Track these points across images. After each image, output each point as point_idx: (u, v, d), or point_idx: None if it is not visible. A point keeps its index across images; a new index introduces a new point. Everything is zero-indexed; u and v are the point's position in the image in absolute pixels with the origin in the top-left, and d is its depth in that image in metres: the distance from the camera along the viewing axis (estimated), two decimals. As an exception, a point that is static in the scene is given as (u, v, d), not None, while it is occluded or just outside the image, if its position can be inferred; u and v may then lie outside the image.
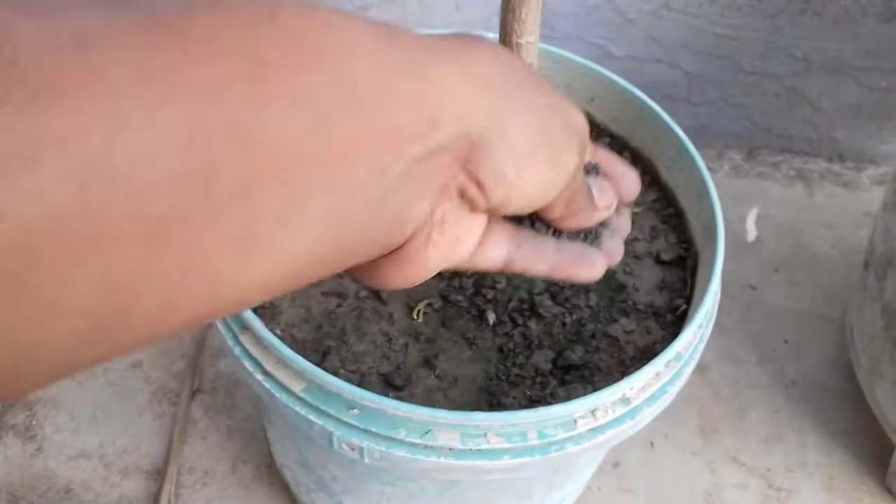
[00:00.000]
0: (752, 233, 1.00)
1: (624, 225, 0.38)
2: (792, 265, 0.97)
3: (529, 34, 0.44)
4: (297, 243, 0.20)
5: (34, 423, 0.78)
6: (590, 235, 0.34)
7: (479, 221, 0.28)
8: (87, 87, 0.15)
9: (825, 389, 0.87)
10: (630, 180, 0.36)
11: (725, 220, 1.02)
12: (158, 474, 0.75)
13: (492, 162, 0.24)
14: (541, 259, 0.33)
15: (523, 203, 0.27)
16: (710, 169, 1.06)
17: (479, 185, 0.25)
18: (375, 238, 0.23)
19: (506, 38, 0.44)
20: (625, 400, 0.47)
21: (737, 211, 1.02)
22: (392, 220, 0.23)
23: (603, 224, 0.35)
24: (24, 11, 0.16)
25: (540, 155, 0.26)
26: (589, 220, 0.33)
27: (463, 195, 0.25)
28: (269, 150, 0.18)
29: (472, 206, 0.26)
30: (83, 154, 0.15)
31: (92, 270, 0.16)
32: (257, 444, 0.77)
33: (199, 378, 0.82)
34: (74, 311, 0.16)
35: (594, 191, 0.33)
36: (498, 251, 0.31)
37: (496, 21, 0.94)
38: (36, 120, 0.15)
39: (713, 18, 0.91)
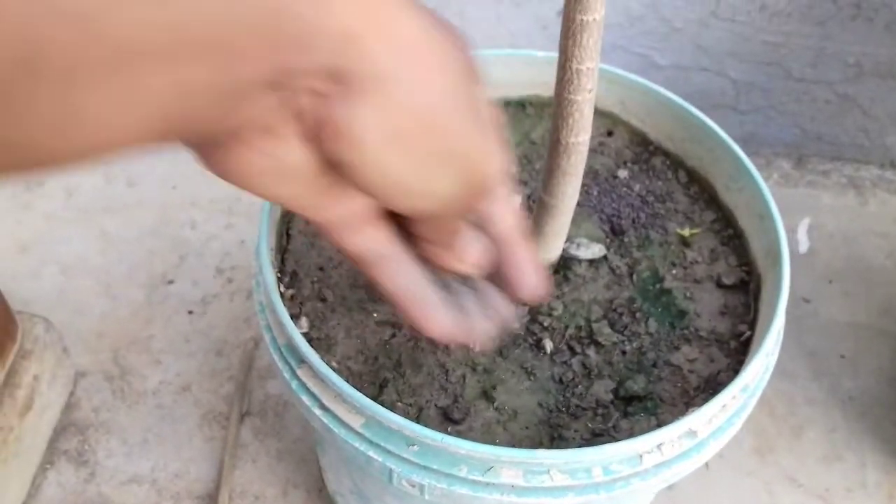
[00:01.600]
0: (803, 244, 0.98)
1: (501, 312, 0.35)
2: (846, 276, 0.95)
3: (590, 60, 0.43)
4: (122, 120, 0.20)
5: (87, 448, 0.78)
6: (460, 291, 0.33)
7: (315, 171, 0.25)
8: None
9: (884, 405, 0.85)
10: (527, 277, 0.34)
11: (776, 231, 0.99)
12: (210, 499, 0.75)
13: (349, 117, 0.23)
14: (394, 282, 0.31)
15: (370, 188, 0.25)
16: (758, 178, 1.03)
17: (319, 123, 0.23)
18: (202, 121, 0.22)
19: (565, 63, 0.43)
20: (691, 433, 0.46)
21: (787, 221, 0.99)
22: (220, 115, 0.22)
23: (478, 291, 0.34)
24: None
25: (411, 149, 0.24)
26: (445, 261, 0.31)
27: (299, 119, 0.23)
28: (114, 37, 0.18)
29: (312, 145, 0.24)
30: None
31: None
32: (308, 467, 0.77)
33: (247, 400, 0.82)
34: None
35: (467, 239, 0.32)
36: (363, 240, 0.29)
37: (537, 34, 0.93)
38: None
39: (761, 25, 0.89)
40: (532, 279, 0.34)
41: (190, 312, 0.88)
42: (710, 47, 0.91)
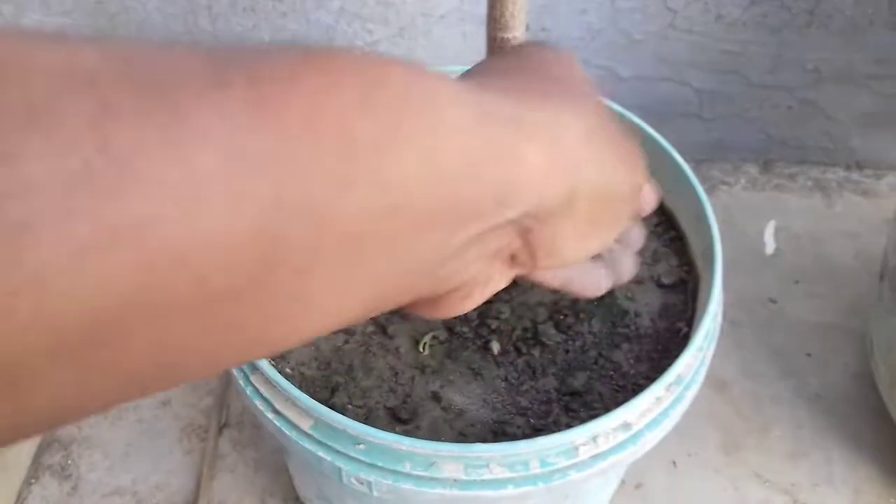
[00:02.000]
0: (770, 246, 1.00)
1: (637, 238, 0.40)
2: (813, 277, 0.97)
3: (514, 29, 0.45)
4: (343, 306, 0.20)
5: (69, 462, 0.81)
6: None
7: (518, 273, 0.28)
8: (171, 170, 0.15)
9: (850, 402, 0.86)
10: (652, 195, 0.38)
11: (743, 234, 1.02)
12: (189, 509, 0.78)
13: (552, 237, 0.25)
14: (553, 275, 0.35)
15: (578, 260, 0.28)
16: (726, 183, 1.06)
17: (532, 254, 0.25)
18: (420, 292, 0.24)
19: (491, 32, 0.46)
20: (626, 426, 0.48)
21: (754, 224, 1.02)
22: (440, 280, 0.24)
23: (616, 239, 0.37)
24: (125, 89, 0.15)
25: (597, 232, 0.27)
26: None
27: (514, 259, 0.26)
28: (341, 230, 0.18)
29: (519, 266, 0.27)
30: (157, 241, 0.15)
31: (147, 337, 0.16)
32: (284, 476, 0.79)
33: (226, 413, 0.84)
34: (123, 373, 0.17)
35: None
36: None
37: (503, 50, 0.95)
38: (114, 205, 0.14)
39: (719, 35, 0.91)
40: (655, 195, 0.38)
41: (171, 329, 0.90)
42: (670, 58, 0.94)
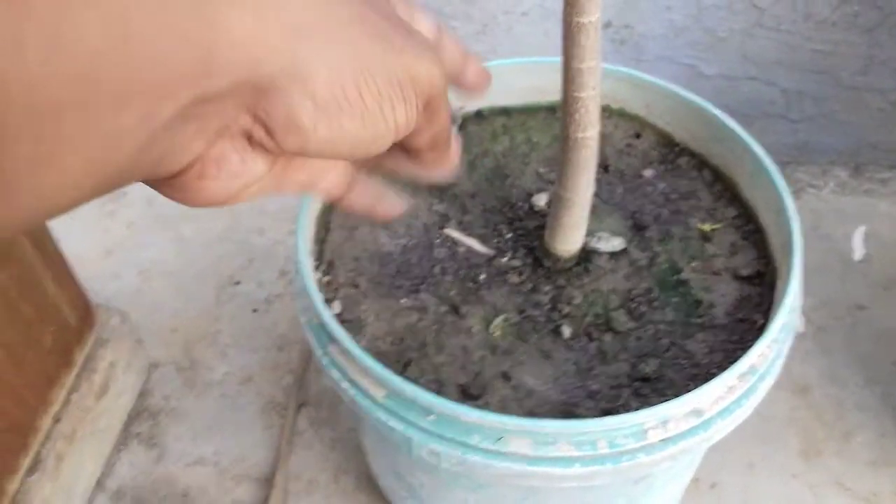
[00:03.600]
0: (859, 251, 0.97)
1: (439, 128, 0.34)
2: (902, 284, 0.94)
3: (590, 59, 0.46)
4: (56, 182, 0.20)
5: (157, 431, 0.85)
6: None
7: (270, 158, 0.27)
8: None
9: (938, 413, 0.83)
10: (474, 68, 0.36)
11: (830, 238, 1.00)
12: (267, 481, 0.81)
13: (286, 112, 0.24)
14: (360, 202, 0.36)
15: (334, 152, 0.27)
16: (813, 186, 1.04)
17: (268, 131, 0.24)
18: (142, 170, 0.23)
19: (567, 62, 0.47)
20: (697, 412, 0.48)
21: (843, 229, 0.99)
22: (160, 157, 0.23)
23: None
24: None
25: (350, 110, 0.25)
26: (443, 163, 0.34)
27: (249, 137, 0.25)
28: (26, 99, 0.18)
29: (263, 147, 0.26)
30: None
31: None
32: (357, 455, 0.81)
33: (305, 392, 0.87)
34: None
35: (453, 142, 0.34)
36: (328, 180, 0.33)
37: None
38: None
39: (808, 34, 0.90)
40: (478, 70, 0.37)
41: (254, 311, 0.94)
42: (756, 56, 0.92)
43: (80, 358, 0.76)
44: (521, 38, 0.94)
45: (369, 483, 0.80)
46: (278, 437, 0.84)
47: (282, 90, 0.23)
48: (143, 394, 0.87)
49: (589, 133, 0.49)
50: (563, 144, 0.51)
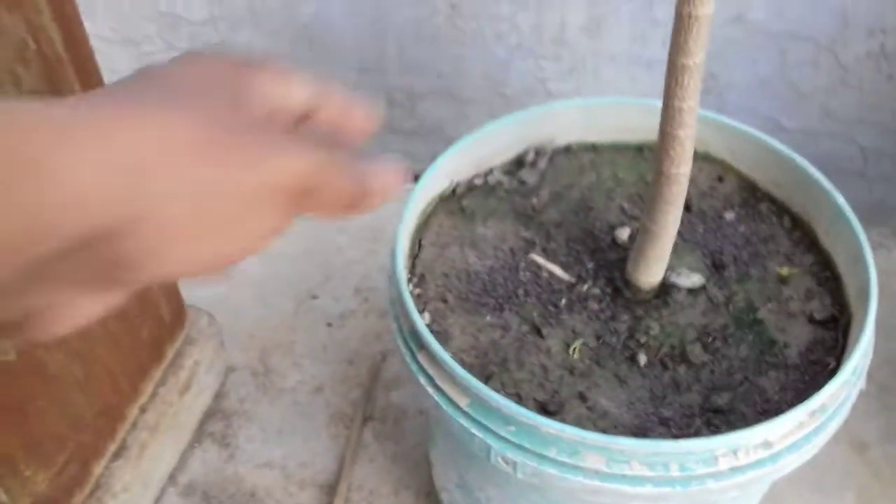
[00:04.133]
0: (929, 313, 0.97)
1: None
2: (973, 349, 0.93)
3: (690, 99, 0.49)
4: None
5: (230, 432, 0.89)
6: None
7: (128, 290, 0.26)
8: None
9: None
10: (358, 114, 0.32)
11: (898, 298, 0.99)
12: (330, 489, 0.83)
13: (135, 250, 0.23)
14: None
15: (205, 269, 0.26)
16: (883, 247, 1.04)
17: (125, 270, 0.24)
18: None
19: (669, 101, 0.50)
20: (767, 444, 0.49)
21: (914, 291, 0.99)
22: (10, 310, 0.23)
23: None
24: None
25: (208, 236, 0.25)
26: (360, 211, 0.30)
27: (105, 279, 0.24)
28: None
29: (122, 285, 0.25)
30: None
31: None
32: (419, 471, 0.84)
33: (371, 406, 0.90)
34: None
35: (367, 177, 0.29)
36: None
37: (668, 94, 0.99)
38: None
39: (890, 95, 0.91)
40: (361, 112, 0.33)
41: (329, 325, 0.98)
42: (837, 113, 0.94)
43: (170, 354, 0.80)
44: (608, 82, 0.97)
45: (429, 499, 0.82)
46: (343, 447, 0.87)
47: (126, 235, 0.23)
48: (219, 395, 0.92)
49: (682, 170, 0.52)
50: (655, 179, 0.53)
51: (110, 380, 0.71)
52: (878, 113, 0.93)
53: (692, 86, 0.49)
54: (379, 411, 0.90)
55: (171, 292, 0.80)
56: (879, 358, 0.90)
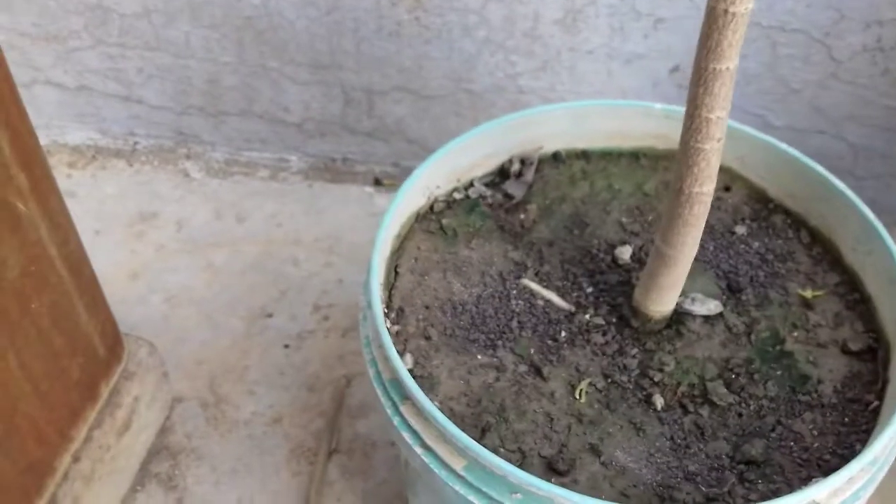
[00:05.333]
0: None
1: None
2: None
3: (720, 109, 0.42)
4: None
5: (177, 472, 0.79)
6: None
7: None
8: None
9: None
10: None
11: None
12: (293, 535, 0.75)
13: None
14: None
15: None
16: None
17: None
18: None
19: (694, 111, 0.42)
20: (814, 505, 0.43)
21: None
22: None
23: None
24: None
25: None
26: None
27: None
28: None
29: None
30: None
31: None
32: (392, 511, 0.76)
33: (336, 438, 0.81)
34: None
35: None
36: None
37: (648, 91, 0.92)
38: None
39: (884, 90, 0.86)
40: None
41: (286, 346, 0.89)
42: (828, 109, 0.88)
43: (105, 391, 0.71)
44: (583, 77, 0.90)
45: (405, 543, 0.74)
46: (307, 486, 0.78)
47: None
48: (163, 430, 0.82)
49: (706, 188, 0.45)
50: (674, 198, 0.46)
51: (34, 432, 0.61)
52: (870, 109, 0.88)
53: (723, 94, 0.41)
54: (345, 443, 0.81)
55: (106, 322, 0.70)
56: None
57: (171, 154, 1.08)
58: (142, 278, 0.95)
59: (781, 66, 0.86)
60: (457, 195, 0.60)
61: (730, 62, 0.40)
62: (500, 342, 0.52)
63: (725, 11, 0.39)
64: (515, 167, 0.62)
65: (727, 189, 0.62)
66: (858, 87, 0.86)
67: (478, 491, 0.44)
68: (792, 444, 0.47)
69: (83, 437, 0.69)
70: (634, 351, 0.52)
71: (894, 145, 0.91)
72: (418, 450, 0.46)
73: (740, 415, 0.49)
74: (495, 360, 0.51)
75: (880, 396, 0.49)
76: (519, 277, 0.56)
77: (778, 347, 0.52)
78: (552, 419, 0.49)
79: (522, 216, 0.60)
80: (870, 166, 0.93)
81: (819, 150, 0.92)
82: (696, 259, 0.57)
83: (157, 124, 1.06)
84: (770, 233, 0.59)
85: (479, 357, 0.51)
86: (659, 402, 0.50)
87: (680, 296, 0.52)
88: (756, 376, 0.50)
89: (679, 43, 0.86)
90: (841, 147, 0.92)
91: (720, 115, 0.42)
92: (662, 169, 0.63)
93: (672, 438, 0.48)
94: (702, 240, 0.58)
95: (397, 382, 0.47)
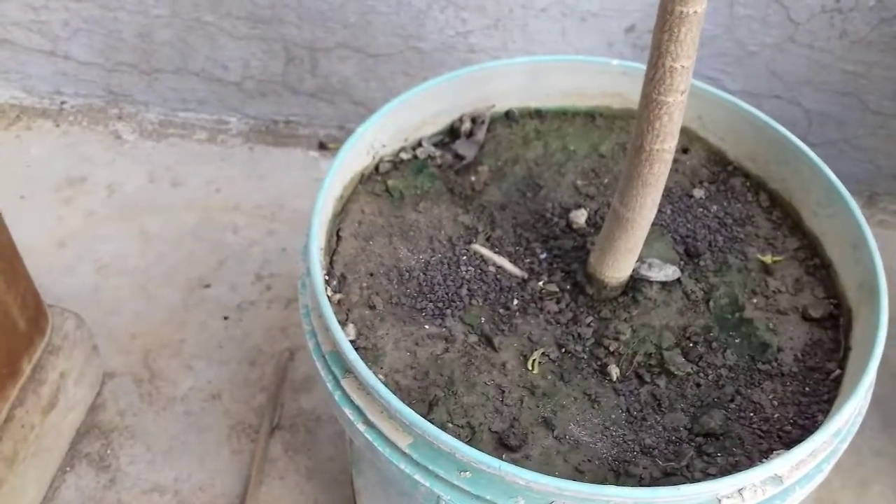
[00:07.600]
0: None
1: None
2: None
3: (686, 57, 0.39)
4: None
5: (109, 452, 0.75)
6: None
7: None
8: None
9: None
10: None
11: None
12: (233, 515, 0.71)
13: None
14: None
15: None
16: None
17: None
18: None
19: (657, 60, 0.39)
20: (776, 479, 0.41)
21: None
22: None
23: None
24: None
25: None
26: None
27: None
28: None
29: None
30: None
31: None
32: (339, 488, 0.73)
33: (279, 414, 0.78)
34: None
35: None
36: None
37: (602, 51, 0.89)
38: None
39: (841, 54, 0.84)
40: None
41: (225, 318, 0.85)
42: (784, 74, 0.87)
43: (27, 368, 0.66)
44: (536, 36, 0.87)
45: (351, 520, 0.71)
46: (248, 465, 0.74)
47: None
48: (94, 408, 0.77)
49: (667, 145, 0.42)
50: (633, 156, 0.43)
51: (-55, 412, 0.57)
52: (826, 73, 0.86)
53: (689, 40, 0.38)
54: (288, 419, 0.78)
55: (26, 292, 0.65)
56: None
57: (102, 114, 1.02)
58: (70, 247, 0.89)
59: (739, 28, 0.83)
60: (404, 155, 0.57)
61: (697, 5, 0.37)
62: (448, 311, 0.49)
63: (692, -49, 0.36)
64: (466, 126, 0.58)
65: (685, 151, 0.59)
66: (815, 50, 0.84)
67: (424, 469, 0.41)
68: (752, 414, 0.45)
69: (3, 417, 0.64)
70: (589, 319, 0.50)
71: (849, 111, 0.90)
72: (361, 426, 0.43)
73: (698, 385, 0.47)
74: (444, 330, 0.48)
75: (842, 365, 0.47)
76: (469, 242, 0.53)
77: (737, 314, 0.50)
78: (503, 392, 0.46)
79: (473, 178, 0.57)
80: (824, 132, 0.92)
81: (773, 114, 0.90)
82: (653, 223, 0.54)
83: (86, 82, 0.99)
84: (729, 196, 0.57)
85: (427, 327, 0.48)
86: (614, 372, 0.47)
87: (636, 261, 0.50)
88: (714, 345, 0.48)
89: (635, 1, 0.83)
90: (796, 112, 0.90)
91: (685, 65, 0.39)
92: (619, 129, 0.60)
93: (628, 410, 0.46)
94: (659, 203, 0.56)
95: (338, 354, 0.43)
